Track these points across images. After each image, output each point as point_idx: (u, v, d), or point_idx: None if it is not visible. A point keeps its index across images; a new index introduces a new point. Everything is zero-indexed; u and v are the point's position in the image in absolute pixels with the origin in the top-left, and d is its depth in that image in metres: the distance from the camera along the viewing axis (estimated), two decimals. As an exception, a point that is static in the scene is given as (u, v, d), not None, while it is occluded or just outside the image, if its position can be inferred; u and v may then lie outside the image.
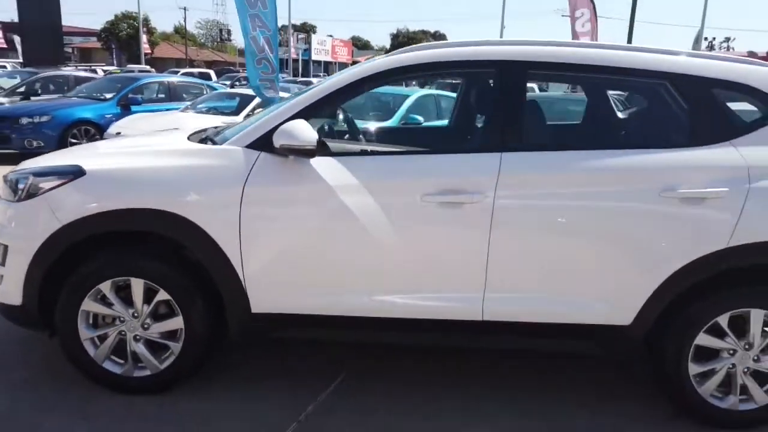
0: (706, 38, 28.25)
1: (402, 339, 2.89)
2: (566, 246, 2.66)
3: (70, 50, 57.13)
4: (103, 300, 2.79)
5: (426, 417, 2.79)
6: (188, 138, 3.12)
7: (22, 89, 12.08)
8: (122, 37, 53.01)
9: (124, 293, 2.79)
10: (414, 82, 9.23)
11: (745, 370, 2.74)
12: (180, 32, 64.57)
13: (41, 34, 27.53)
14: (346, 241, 2.69)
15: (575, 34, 17.81)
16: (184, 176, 2.71)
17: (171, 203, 2.66)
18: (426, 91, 8.92)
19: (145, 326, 2.80)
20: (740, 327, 2.71)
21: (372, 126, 3.63)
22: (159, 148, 3.05)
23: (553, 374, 3.20)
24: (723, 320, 2.68)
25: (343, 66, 40.20)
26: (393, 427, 2.71)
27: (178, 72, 23.91)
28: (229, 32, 78.96)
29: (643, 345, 2.79)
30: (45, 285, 2.74)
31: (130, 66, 35.86)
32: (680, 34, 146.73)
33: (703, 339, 2.71)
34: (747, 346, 2.71)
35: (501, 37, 24.79)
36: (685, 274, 2.63)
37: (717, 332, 2.71)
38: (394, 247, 2.68)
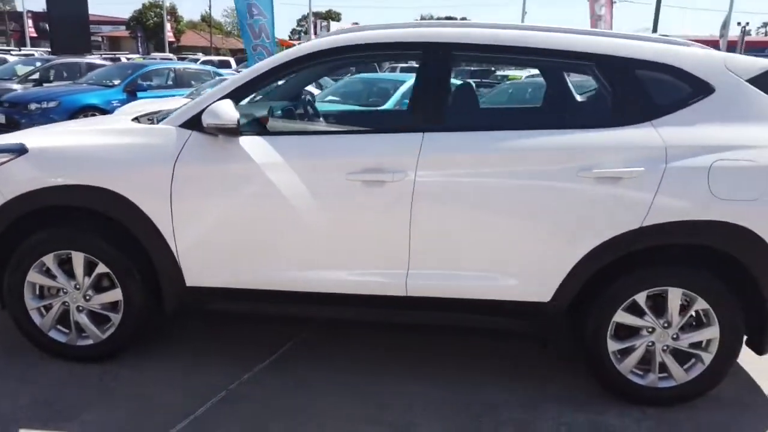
0: (739, 23, 27.41)
1: (330, 313, 2.97)
2: (485, 224, 2.72)
3: (99, 39, 58.23)
4: (47, 272, 2.94)
5: (353, 388, 2.89)
6: (135, 119, 3.24)
7: (35, 76, 12.42)
8: (149, 26, 53.75)
9: (67, 266, 2.94)
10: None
11: (665, 348, 2.77)
12: (206, 20, 65.13)
13: (69, 23, 28.02)
14: (272, 218, 2.79)
15: (594, 17, 17.58)
16: (118, 154, 2.84)
17: (105, 180, 2.79)
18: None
19: (87, 298, 2.95)
20: (659, 305, 2.74)
21: (312, 108, 3.67)
22: (100, 128, 3.18)
23: (486, 351, 3.27)
24: (641, 298, 2.72)
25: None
26: (318, 399, 2.81)
27: (198, 60, 24.21)
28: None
29: (565, 321, 2.84)
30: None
31: (154, 54, 36.41)
32: (709, 18, 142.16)
33: (621, 316, 2.75)
34: (666, 325, 2.74)
35: (522, 22, 24.42)
36: (601, 253, 2.67)
37: (635, 310, 2.75)
38: (320, 224, 2.77)
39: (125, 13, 56.97)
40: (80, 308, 2.97)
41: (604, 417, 2.74)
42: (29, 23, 41.85)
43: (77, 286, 2.94)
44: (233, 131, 2.66)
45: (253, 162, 2.74)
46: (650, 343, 2.78)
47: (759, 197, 2.58)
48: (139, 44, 43.66)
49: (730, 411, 2.83)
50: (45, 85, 11.58)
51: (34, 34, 42.96)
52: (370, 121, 3.64)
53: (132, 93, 10.18)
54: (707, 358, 2.77)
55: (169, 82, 11.47)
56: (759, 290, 2.67)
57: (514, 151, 2.69)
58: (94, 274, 2.91)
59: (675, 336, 2.75)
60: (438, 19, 77.16)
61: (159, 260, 2.86)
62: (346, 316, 2.96)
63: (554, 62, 3.02)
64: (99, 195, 2.80)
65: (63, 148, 2.90)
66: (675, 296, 2.70)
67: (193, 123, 2.80)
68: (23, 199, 2.84)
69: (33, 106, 9.41)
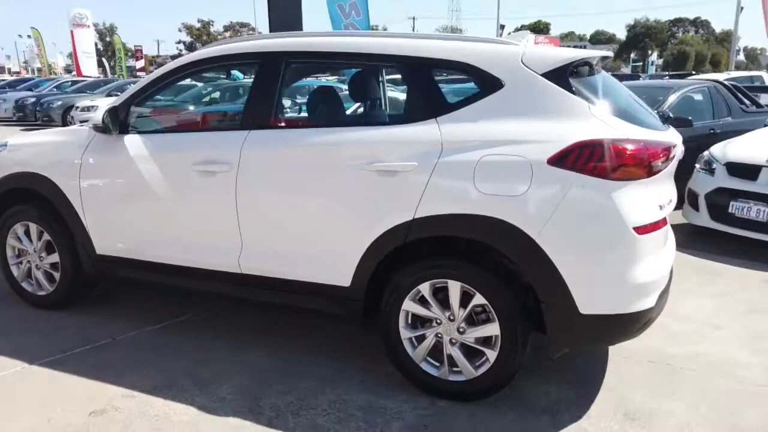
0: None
1: (190, 285, 3.47)
2: (293, 212, 3.03)
3: None
4: (17, 238, 3.92)
5: (202, 353, 3.37)
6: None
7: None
8: None
9: (29, 235, 3.88)
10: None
11: (453, 341, 2.81)
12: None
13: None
14: (141, 201, 3.41)
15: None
16: (54, 149, 3.71)
17: (44, 168, 3.67)
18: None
19: (41, 258, 3.86)
20: (446, 298, 2.79)
21: (188, 109, 4.24)
22: (56, 130, 4.10)
23: (336, 331, 3.49)
24: (425, 289, 2.80)
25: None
26: (161, 357, 3.32)
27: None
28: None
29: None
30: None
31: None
32: None
33: (409, 305, 2.85)
34: (451, 317, 2.78)
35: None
36: (382, 242, 2.82)
37: (422, 300, 2.83)
38: (175, 207, 3.33)
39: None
40: (38, 266, 3.90)
41: (386, 400, 2.87)
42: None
43: (35, 249, 3.87)
44: (101, 129, 3.35)
45: (128, 155, 3.39)
46: (439, 335, 2.83)
47: (523, 192, 2.54)
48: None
49: (503, 410, 2.76)
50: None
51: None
52: (217, 120, 4.07)
53: None
54: (492, 355, 2.74)
55: None
56: (531, 288, 2.61)
57: (315, 145, 2.97)
58: (42, 239, 3.81)
59: (461, 330, 2.78)
60: (653, 22, 71.59)
61: (76, 232, 3.66)
62: (200, 288, 3.45)
63: (368, 65, 3.20)
64: (40, 180, 3.68)
65: (23, 144, 3.87)
66: (455, 289, 2.74)
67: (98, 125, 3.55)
68: (1, 182, 3.85)
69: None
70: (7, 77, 38.99)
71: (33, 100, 18.45)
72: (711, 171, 5.62)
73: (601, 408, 2.82)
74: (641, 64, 64.79)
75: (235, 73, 10.91)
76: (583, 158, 2.50)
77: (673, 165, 2.91)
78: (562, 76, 2.66)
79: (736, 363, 3.25)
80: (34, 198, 3.80)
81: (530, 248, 2.54)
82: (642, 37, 75.26)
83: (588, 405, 2.85)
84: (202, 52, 3.42)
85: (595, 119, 2.57)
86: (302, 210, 3.02)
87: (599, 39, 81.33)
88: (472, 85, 2.89)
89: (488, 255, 2.69)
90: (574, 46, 56.44)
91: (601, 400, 2.89)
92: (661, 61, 65.80)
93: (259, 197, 3.10)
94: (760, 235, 5.11)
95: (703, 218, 5.60)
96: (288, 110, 3.43)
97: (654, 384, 3.04)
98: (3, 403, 2.84)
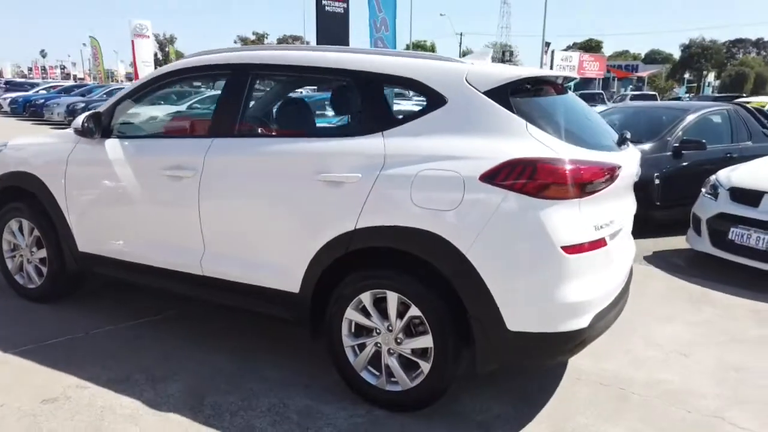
0: None
1: (159, 284, 3.61)
2: (248, 218, 3.14)
3: None
4: (12, 233, 4.16)
5: (167, 351, 3.50)
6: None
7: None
8: None
9: (21, 231, 4.12)
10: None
11: (391, 351, 2.85)
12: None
13: None
14: (117, 202, 3.57)
15: None
16: (46, 150, 3.94)
17: (35, 168, 3.90)
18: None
19: (32, 253, 4.09)
20: (385, 308, 2.83)
21: (168, 115, 4.38)
22: (53, 132, 4.33)
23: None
24: (366, 298, 2.85)
25: (588, 81, 38.38)
26: (126, 350, 3.49)
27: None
28: (511, 53, 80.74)
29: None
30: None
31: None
32: None
33: (351, 314, 2.91)
34: (390, 328, 2.83)
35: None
36: (327, 252, 2.89)
37: (363, 310, 2.88)
38: (147, 209, 3.48)
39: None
40: (29, 261, 4.12)
41: (326, 406, 2.92)
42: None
43: (26, 245, 4.09)
44: (82, 133, 3.55)
45: (107, 158, 3.57)
46: (378, 345, 2.88)
47: (455, 207, 2.57)
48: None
49: (436, 423, 2.77)
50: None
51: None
52: (190, 127, 4.19)
53: None
54: (426, 367, 2.77)
55: None
56: (461, 302, 2.63)
57: (270, 154, 3.07)
58: (33, 235, 4.04)
59: (398, 340, 2.82)
60: (710, 42, 69.56)
61: (60, 228, 3.86)
62: (168, 288, 3.59)
63: (323, 78, 3.29)
64: (29, 179, 3.91)
65: (22, 145, 4.11)
66: (393, 300, 2.78)
67: (83, 129, 3.75)
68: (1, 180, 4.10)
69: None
70: (71, 83, 40.92)
71: (82, 105, 19.35)
72: (715, 195, 5.47)
73: (537, 427, 2.80)
74: (696, 85, 63.06)
75: None
76: (513, 176, 2.51)
77: (622, 185, 2.89)
78: (503, 94, 2.69)
79: (694, 392, 3.17)
80: (27, 196, 4.03)
81: (460, 262, 2.57)
82: (698, 58, 73.25)
83: (525, 423, 2.83)
84: (178, 63, 3.59)
85: (530, 138, 2.59)
86: (256, 216, 3.12)
87: (654, 58, 79.57)
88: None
89: (424, 267, 2.72)
90: (626, 66, 55.48)
91: (541, 418, 2.88)
92: (718, 83, 63.88)
93: (218, 202, 3.22)
94: (760, 263, 4.95)
95: (704, 244, 5.45)
96: (253, 120, 3.54)
97: (600, 407, 2.99)
98: (-32, 387, 3.02)
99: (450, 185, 2.59)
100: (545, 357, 2.79)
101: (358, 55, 3.05)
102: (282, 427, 2.75)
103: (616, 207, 2.91)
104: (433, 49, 62.72)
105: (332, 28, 29.23)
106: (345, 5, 28.29)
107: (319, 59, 3.11)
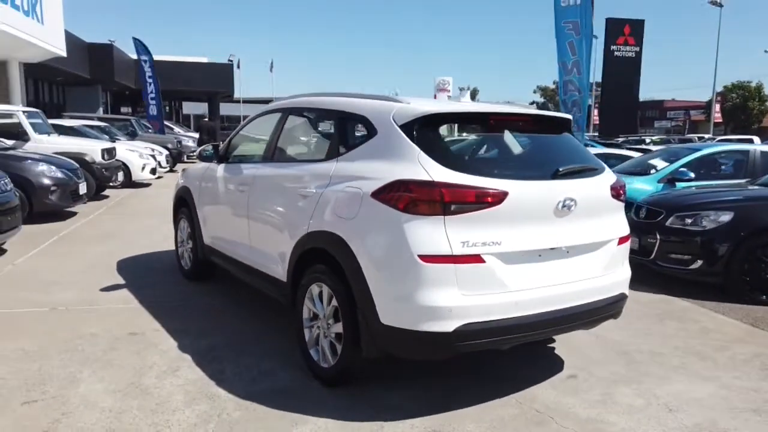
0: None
1: (232, 271, 4.82)
2: (259, 221, 4.22)
3: (680, 123, 61.20)
4: (180, 229, 5.88)
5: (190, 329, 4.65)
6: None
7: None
8: (727, 108, 53.27)
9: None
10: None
11: (325, 334, 3.51)
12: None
13: (619, 106, 29.91)
14: (220, 210, 4.93)
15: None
16: (196, 170, 5.56)
17: (188, 183, 5.56)
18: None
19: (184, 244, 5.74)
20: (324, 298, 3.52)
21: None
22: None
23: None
24: (314, 289, 3.57)
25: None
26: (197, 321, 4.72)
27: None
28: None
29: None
30: None
31: (691, 135, 36.03)
32: None
33: (307, 302, 3.65)
34: (324, 315, 3.50)
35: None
36: (296, 249, 3.71)
37: (312, 299, 3.60)
38: (229, 213, 4.76)
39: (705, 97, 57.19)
40: (184, 251, 5.78)
41: (282, 371, 3.69)
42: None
43: (183, 238, 5.77)
44: (202, 159, 5.02)
45: (216, 177, 4.98)
46: (320, 328, 3.56)
47: (355, 216, 3.19)
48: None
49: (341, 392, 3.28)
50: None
51: (719, 119, 45.93)
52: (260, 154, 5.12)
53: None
54: (339, 349, 3.36)
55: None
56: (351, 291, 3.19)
57: (280, 175, 4.07)
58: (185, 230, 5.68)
59: (328, 325, 3.47)
60: None
61: (195, 225, 5.38)
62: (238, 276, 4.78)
63: (320, 117, 4.13)
64: (186, 191, 5.56)
65: (190, 168, 5.82)
66: (326, 292, 3.47)
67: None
68: (177, 192, 5.89)
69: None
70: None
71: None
72: None
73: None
74: None
75: None
76: (391, 193, 3.04)
77: (546, 209, 3.17)
78: (411, 128, 3.23)
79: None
80: (184, 204, 5.72)
81: (353, 262, 3.16)
82: None
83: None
84: (259, 111, 4.87)
85: (417, 164, 3.07)
86: (262, 219, 4.20)
87: None
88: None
89: (339, 266, 3.34)
90: None
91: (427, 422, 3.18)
92: None
93: (241, 210, 4.41)
94: None
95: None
96: (278, 150, 4.57)
97: (500, 425, 3.13)
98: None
99: (354, 199, 3.23)
100: (414, 352, 3.15)
101: (332, 98, 3.92)
102: (242, 374, 3.63)
103: (531, 229, 3.13)
104: (759, 90, 54.80)
105: (622, 72, 28.04)
106: (637, 49, 26.88)
107: (313, 102, 4.07)
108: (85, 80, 25.82)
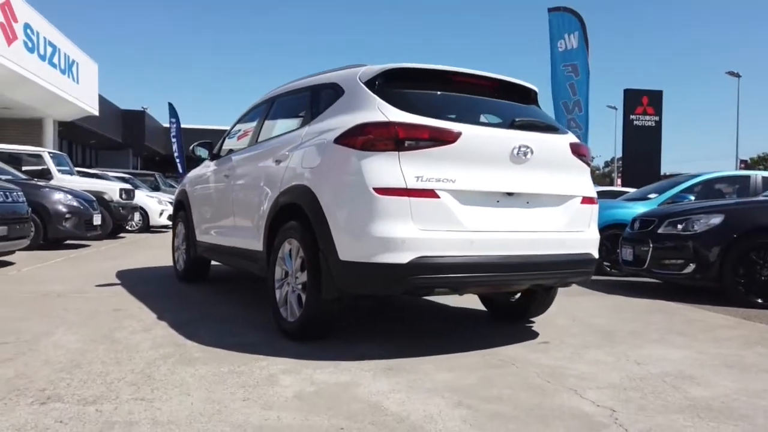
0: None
1: (220, 258, 4.94)
2: (239, 201, 4.39)
3: None
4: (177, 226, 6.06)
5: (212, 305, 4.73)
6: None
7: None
8: None
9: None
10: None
11: (293, 289, 3.57)
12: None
13: (641, 174, 29.76)
14: (215, 199, 5.12)
15: None
16: (194, 172, 5.79)
17: (186, 186, 5.78)
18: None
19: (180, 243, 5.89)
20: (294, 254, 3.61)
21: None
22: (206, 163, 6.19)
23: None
24: (285, 247, 3.67)
25: None
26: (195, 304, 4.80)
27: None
28: None
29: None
30: None
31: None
32: None
33: (279, 262, 3.74)
34: (293, 270, 3.58)
35: None
36: (269, 214, 3.83)
37: (282, 258, 3.69)
38: (214, 202, 4.95)
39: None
40: (177, 248, 5.93)
41: (256, 332, 3.74)
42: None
43: (179, 239, 5.93)
44: (198, 158, 5.27)
45: (207, 173, 5.22)
46: (288, 284, 3.62)
47: (318, 164, 3.34)
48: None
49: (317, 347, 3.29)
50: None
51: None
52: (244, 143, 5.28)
53: None
54: (304, 297, 3.41)
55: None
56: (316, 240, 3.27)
57: (258, 153, 4.28)
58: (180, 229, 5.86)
59: (296, 279, 3.54)
60: None
61: (189, 224, 5.56)
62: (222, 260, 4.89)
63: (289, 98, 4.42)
64: (184, 193, 5.78)
65: (192, 173, 6.07)
66: (295, 247, 3.56)
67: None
68: (178, 193, 6.12)
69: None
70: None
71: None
72: None
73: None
74: None
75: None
76: (352, 136, 3.18)
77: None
78: (373, 83, 3.42)
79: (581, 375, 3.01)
80: (181, 208, 5.93)
81: (316, 206, 3.27)
82: None
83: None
84: (251, 104, 5.12)
85: (377, 110, 3.23)
86: (241, 198, 4.40)
87: None
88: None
89: (306, 216, 3.44)
90: None
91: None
92: None
93: (225, 193, 4.59)
94: None
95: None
96: (266, 134, 4.75)
97: (458, 367, 3.11)
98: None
99: (319, 149, 3.39)
100: (371, 287, 3.17)
101: (309, 78, 4.17)
102: (214, 334, 3.68)
103: (486, 173, 3.22)
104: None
105: (643, 140, 28.00)
106: (657, 118, 26.89)
107: (293, 84, 4.34)
108: (117, 144, 27.01)
